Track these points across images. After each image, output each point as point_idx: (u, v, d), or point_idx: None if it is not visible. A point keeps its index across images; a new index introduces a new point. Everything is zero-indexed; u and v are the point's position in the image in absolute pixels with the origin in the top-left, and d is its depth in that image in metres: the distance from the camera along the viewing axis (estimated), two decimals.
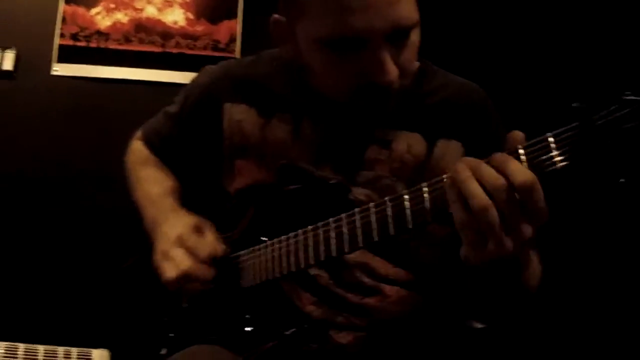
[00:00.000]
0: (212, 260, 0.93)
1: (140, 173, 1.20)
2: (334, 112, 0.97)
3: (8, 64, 2.24)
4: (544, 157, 0.63)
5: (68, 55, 2.23)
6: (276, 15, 0.93)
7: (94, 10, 2.23)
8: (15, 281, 2.20)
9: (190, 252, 0.93)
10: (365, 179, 0.96)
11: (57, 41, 2.24)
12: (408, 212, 0.74)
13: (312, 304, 0.95)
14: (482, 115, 0.99)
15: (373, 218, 0.77)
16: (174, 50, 2.23)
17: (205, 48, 2.22)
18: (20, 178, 2.27)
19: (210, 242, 0.94)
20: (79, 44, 2.23)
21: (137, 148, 1.24)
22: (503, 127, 0.89)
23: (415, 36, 0.88)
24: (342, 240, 0.81)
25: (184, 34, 2.23)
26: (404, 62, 0.88)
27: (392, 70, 0.85)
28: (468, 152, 0.90)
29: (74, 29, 2.23)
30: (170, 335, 1.04)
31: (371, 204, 0.79)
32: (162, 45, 2.23)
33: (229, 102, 1.07)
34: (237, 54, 2.24)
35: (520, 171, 0.62)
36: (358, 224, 0.79)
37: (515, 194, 0.62)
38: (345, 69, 0.88)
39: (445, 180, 0.70)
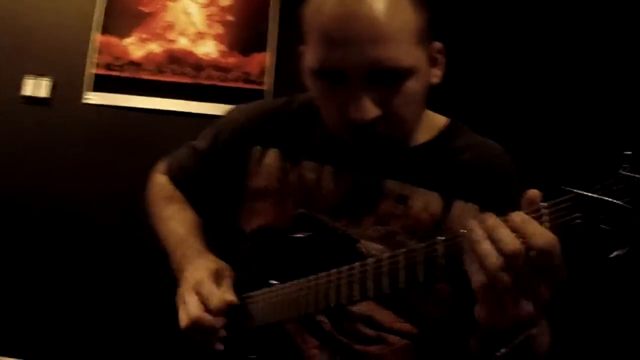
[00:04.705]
0: (223, 311, 0.92)
1: (165, 210, 1.19)
2: (351, 160, 0.98)
3: (44, 91, 2.30)
4: (557, 223, 0.62)
5: (101, 84, 2.27)
6: (302, 46, 0.94)
7: (127, 41, 2.28)
8: (49, 305, 2.24)
9: (203, 300, 0.93)
10: (379, 234, 0.96)
11: (91, 70, 2.28)
12: (420, 266, 0.74)
13: (316, 348, 0.96)
14: (502, 181, 0.97)
15: (385, 269, 0.78)
16: (206, 82, 2.26)
17: (236, 80, 2.25)
18: (51, 202, 2.31)
19: (223, 293, 0.94)
20: (112, 73, 2.27)
21: (161, 182, 1.23)
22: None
23: (414, 84, 0.86)
24: (351, 290, 0.81)
25: (216, 66, 2.26)
26: (393, 107, 0.86)
27: (366, 110, 0.84)
28: None
29: (108, 59, 2.27)
30: None
31: (385, 255, 0.78)
32: (194, 77, 2.26)
33: (258, 144, 1.08)
34: (268, 86, 2.26)
35: (540, 233, 0.61)
36: (370, 274, 0.79)
37: (533, 256, 0.61)
38: (332, 101, 0.89)
39: (459, 237, 0.69)
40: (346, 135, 0.91)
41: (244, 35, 2.27)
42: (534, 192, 0.65)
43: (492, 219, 0.65)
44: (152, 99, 2.26)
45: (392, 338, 0.96)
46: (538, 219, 0.63)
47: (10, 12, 2.35)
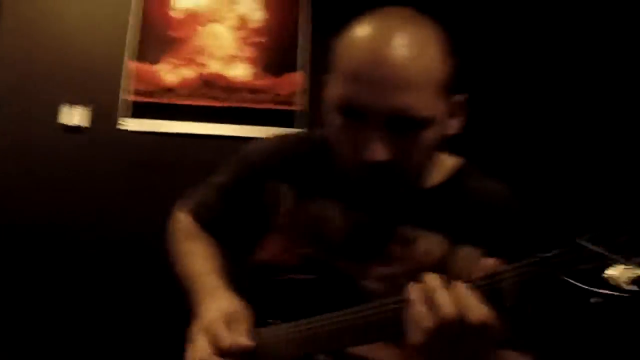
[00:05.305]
0: (233, 354, 0.92)
1: (185, 246, 1.20)
2: (360, 200, 0.99)
3: (81, 119, 2.34)
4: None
5: (136, 110, 2.31)
6: (328, 75, 0.94)
7: (160, 67, 2.31)
8: (83, 322, 2.28)
9: (213, 342, 0.93)
10: (381, 275, 0.96)
11: (125, 97, 2.32)
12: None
13: None
14: (510, 226, 0.96)
15: (381, 316, 0.80)
16: (239, 104, 2.27)
17: (269, 102, 2.26)
18: (90, 227, 2.35)
19: (235, 336, 0.93)
20: (146, 99, 2.30)
21: (182, 219, 1.24)
22: (532, 239, 0.92)
23: (430, 134, 0.87)
24: (346, 335, 0.83)
25: (248, 88, 2.28)
26: (405, 154, 0.87)
27: (379, 152, 0.85)
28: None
29: (142, 85, 2.30)
30: None
31: (380, 302, 0.80)
32: (227, 100, 2.28)
33: (274, 180, 1.09)
34: (301, 107, 2.28)
35: (475, 308, 0.66)
36: (370, 319, 0.81)
37: (466, 325, 0.66)
38: (347, 138, 0.90)
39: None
40: (355, 173, 0.92)
41: (275, 56, 2.29)
42: (489, 262, 0.70)
43: (435, 281, 0.70)
44: (186, 123, 2.29)
45: None
46: (485, 285, 0.67)
47: (46, 42, 2.41)
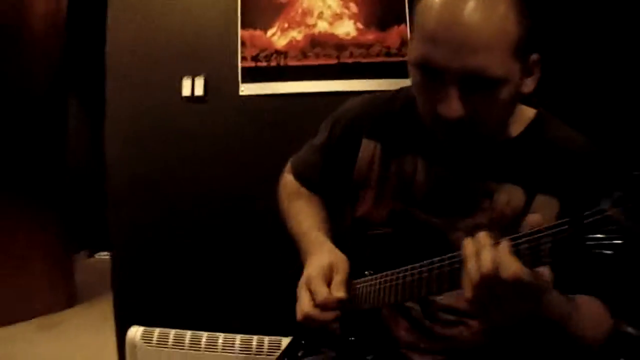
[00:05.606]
0: (330, 307, 1.01)
1: (291, 206, 1.30)
2: (442, 155, 1.03)
3: (199, 89, 2.49)
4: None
5: (251, 75, 2.42)
6: (411, 34, 1.01)
7: (270, 32, 2.40)
8: (216, 285, 2.45)
9: (312, 295, 1.02)
10: (465, 227, 1.00)
11: (239, 64, 2.44)
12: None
13: (405, 330, 1.07)
14: (585, 176, 0.95)
15: (451, 269, 0.84)
16: (349, 61, 2.32)
17: (378, 55, 2.30)
18: (215, 193, 2.51)
19: (332, 289, 1.02)
20: (260, 64, 2.41)
21: (288, 181, 1.34)
22: (610, 187, 0.95)
23: (503, 93, 0.89)
24: (427, 283, 0.90)
25: (357, 44, 2.32)
26: (479, 112, 0.90)
27: (453, 109, 0.88)
28: (564, 210, 0.93)
29: (254, 51, 2.41)
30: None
31: (451, 255, 0.85)
32: (337, 57, 2.34)
33: (366, 137, 1.16)
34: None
35: (508, 266, 0.71)
36: (443, 271, 0.86)
37: (501, 280, 0.71)
38: (426, 94, 0.94)
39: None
40: (435, 128, 0.97)
41: (380, 10, 2.30)
42: (532, 217, 0.73)
43: (484, 239, 0.75)
44: (299, 83, 2.37)
45: (472, 322, 1.02)
46: (525, 244, 0.71)
47: (160, 18, 2.54)
